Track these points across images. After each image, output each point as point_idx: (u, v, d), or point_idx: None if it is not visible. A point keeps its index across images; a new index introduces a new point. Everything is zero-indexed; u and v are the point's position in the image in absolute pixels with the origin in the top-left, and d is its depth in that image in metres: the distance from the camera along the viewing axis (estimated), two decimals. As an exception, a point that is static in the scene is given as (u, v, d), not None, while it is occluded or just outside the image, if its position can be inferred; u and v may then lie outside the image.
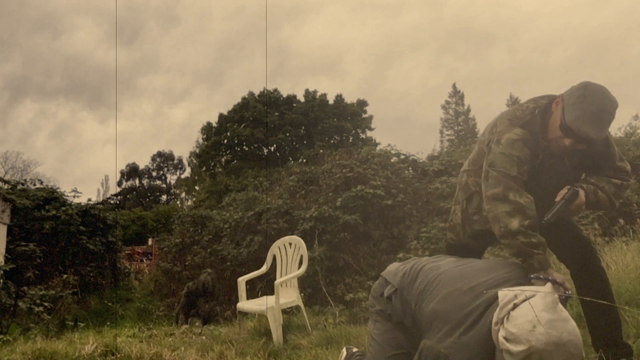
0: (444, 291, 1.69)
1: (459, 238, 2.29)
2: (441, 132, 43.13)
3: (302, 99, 37.00)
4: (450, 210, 2.39)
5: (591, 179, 2.01)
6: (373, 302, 1.98)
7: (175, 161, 49.03)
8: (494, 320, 1.49)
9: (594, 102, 1.80)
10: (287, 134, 35.66)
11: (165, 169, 49.11)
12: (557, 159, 1.99)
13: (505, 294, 1.51)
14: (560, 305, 1.47)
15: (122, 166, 46.45)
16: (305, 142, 36.01)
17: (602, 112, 1.81)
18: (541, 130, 1.95)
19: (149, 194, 46.86)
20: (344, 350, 2.44)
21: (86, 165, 66.46)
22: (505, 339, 1.42)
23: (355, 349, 2.39)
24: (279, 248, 4.40)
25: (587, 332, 2.19)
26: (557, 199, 1.90)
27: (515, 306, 1.46)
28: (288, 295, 4.16)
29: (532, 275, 1.69)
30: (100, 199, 20.89)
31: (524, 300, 1.46)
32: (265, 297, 4.51)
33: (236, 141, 36.11)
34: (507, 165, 1.89)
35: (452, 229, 2.34)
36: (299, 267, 4.18)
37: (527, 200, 1.84)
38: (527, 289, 1.51)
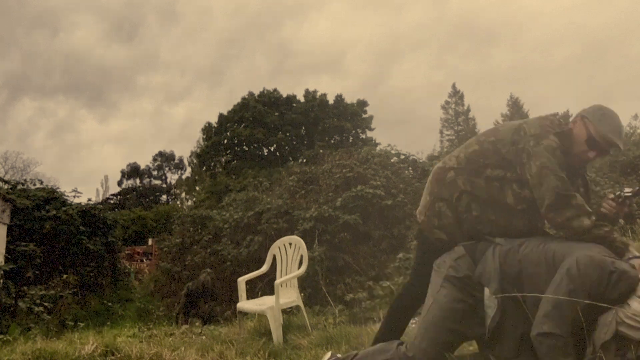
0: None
1: (454, 237, 2.23)
2: (441, 132, 43.18)
3: (302, 99, 37.01)
4: (431, 208, 2.31)
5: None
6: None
7: (176, 161, 49.09)
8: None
9: (614, 119, 2.13)
10: (287, 134, 35.67)
11: (166, 168, 49.16)
12: (577, 171, 2.21)
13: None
14: None
15: (122, 166, 46.57)
16: (305, 142, 36.02)
17: (620, 127, 2.15)
18: (564, 144, 2.14)
19: (149, 194, 46.86)
20: (328, 354, 2.54)
21: (86, 164, 66.59)
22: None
23: (339, 355, 2.46)
24: (279, 248, 4.40)
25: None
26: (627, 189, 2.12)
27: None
28: (288, 295, 4.16)
29: (629, 257, 1.93)
30: (100, 199, 20.90)
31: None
32: (265, 297, 4.51)
33: (236, 141, 36.12)
34: (558, 168, 2.05)
35: (442, 228, 2.26)
36: (299, 267, 4.17)
37: (581, 199, 2.05)
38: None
